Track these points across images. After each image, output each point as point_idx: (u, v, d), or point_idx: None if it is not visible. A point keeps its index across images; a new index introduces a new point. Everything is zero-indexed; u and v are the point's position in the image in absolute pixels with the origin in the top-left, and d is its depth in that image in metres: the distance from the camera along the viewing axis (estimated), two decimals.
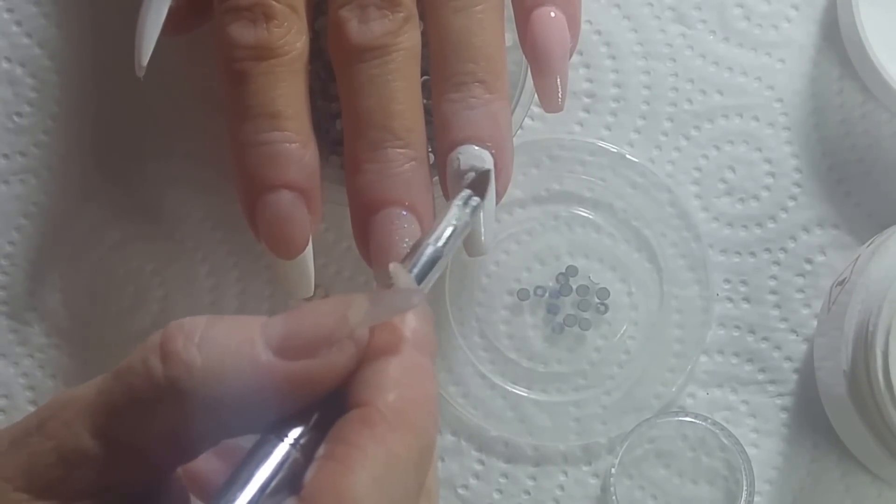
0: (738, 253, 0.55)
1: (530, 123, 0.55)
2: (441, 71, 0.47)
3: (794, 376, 0.54)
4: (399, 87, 0.46)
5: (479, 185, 0.46)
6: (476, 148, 0.47)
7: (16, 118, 0.56)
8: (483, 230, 0.47)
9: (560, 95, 0.50)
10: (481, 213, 0.46)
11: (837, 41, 0.55)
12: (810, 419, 0.54)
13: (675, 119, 0.55)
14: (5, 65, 0.56)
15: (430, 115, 0.48)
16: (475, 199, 0.45)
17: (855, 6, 0.52)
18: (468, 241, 0.47)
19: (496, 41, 0.48)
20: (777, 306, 0.54)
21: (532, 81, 0.50)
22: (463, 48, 0.47)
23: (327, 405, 0.35)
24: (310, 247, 0.48)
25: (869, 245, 0.51)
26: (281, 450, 0.35)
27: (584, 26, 0.53)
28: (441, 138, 0.47)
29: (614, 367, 0.54)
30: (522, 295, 0.54)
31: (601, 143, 0.55)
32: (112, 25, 0.55)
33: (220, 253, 0.55)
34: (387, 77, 0.46)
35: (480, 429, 0.54)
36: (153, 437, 0.35)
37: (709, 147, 0.55)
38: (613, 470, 0.53)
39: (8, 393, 0.55)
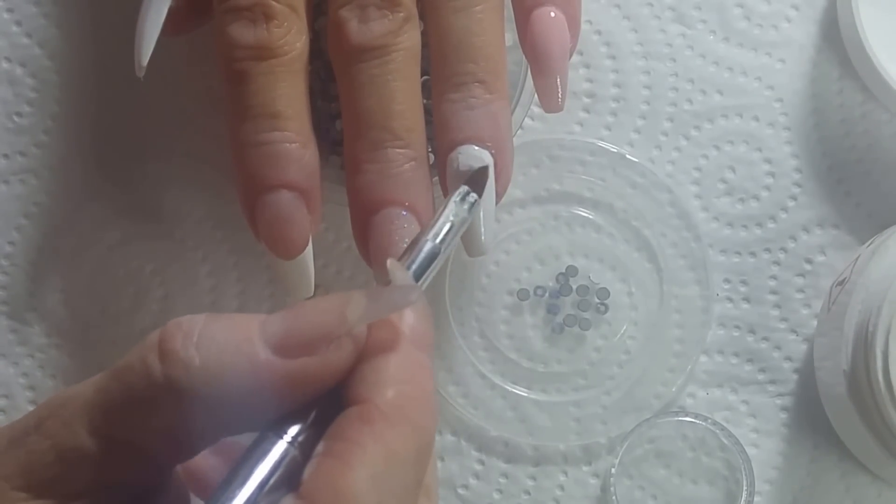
0: (738, 253, 0.55)
1: (530, 123, 0.55)
2: (441, 71, 0.47)
3: (794, 376, 0.54)
4: (399, 87, 0.46)
5: (476, 181, 0.46)
6: (476, 148, 0.47)
7: (16, 118, 0.56)
8: (483, 230, 0.47)
9: (560, 95, 0.50)
10: (481, 212, 0.46)
11: (837, 41, 0.55)
12: (810, 419, 0.54)
13: (675, 119, 0.55)
14: (5, 65, 0.56)
15: (430, 115, 0.48)
16: (472, 196, 0.45)
17: (855, 6, 0.52)
18: (468, 242, 0.47)
19: (496, 41, 0.48)
20: (777, 306, 0.54)
21: (532, 81, 0.50)
22: (463, 48, 0.47)
23: (326, 402, 0.35)
24: (310, 247, 0.48)
25: (869, 245, 0.51)
26: (279, 447, 0.35)
27: (584, 26, 0.53)
28: (441, 138, 0.47)
29: (614, 367, 0.54)
30: (522, 295, 0.54)
31: (601, 143, 0.55)
32: (112, 25, 0.55)
33: (220, 253, 0.55)
34: (387, 77, 0.46)
35: (480, 429, 0.54)
36: (152, 436, 0.35)
37: (709, 147, 0.55)
38: (613, 470, 0.53)
39: (8, 393, 0.55)
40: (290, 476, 0.34)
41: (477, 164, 0.46)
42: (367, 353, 0.36)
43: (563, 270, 0.54)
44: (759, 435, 0.54)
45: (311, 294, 0.49)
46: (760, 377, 0.54)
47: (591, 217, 0.55)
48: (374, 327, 0.36)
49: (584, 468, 0.54)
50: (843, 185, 0.55)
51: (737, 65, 0.55)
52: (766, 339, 0.54)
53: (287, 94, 0.46)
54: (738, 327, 0.54)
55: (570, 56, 0.50)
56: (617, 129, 0.55)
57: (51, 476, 0.35)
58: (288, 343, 0.35)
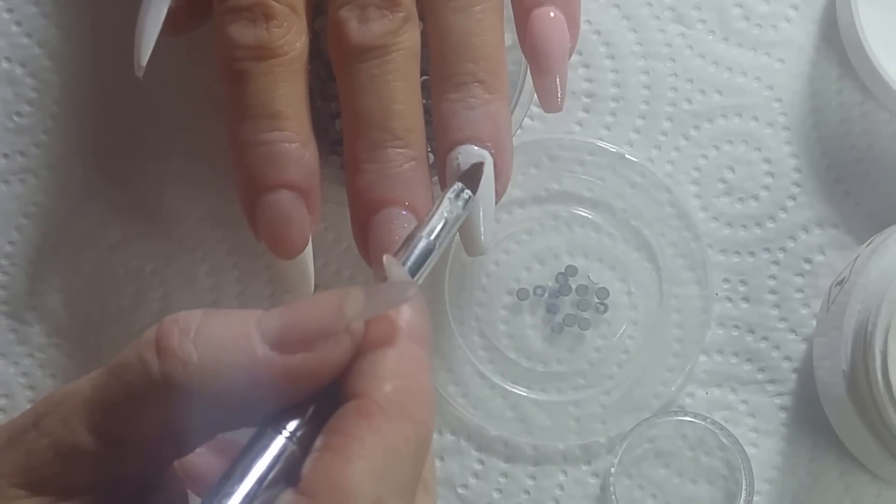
0: (738, 252, 0.55)
1: (530, 123, 0.55)
2: (441, 71, 0.47)
3: (794, 376, 0.54)
4: (399, 87, 0.46)
5: (470, 177, 0.46)
6: (476, 148, 0.47)
7: (16, 118, 0.56)
8: (483, 230, 0.47)
9: (559, 95, 0.50)
10: (480, 212, 0.46)
11: (836, 41, 0.55)
12: (809, 419, 0.54)
13: (674, 119, 0.55)
14: (5, 65, 0.56)
15: (430, 115, 0.48)
16: (467, 192, 0.45)
17: (854, 6, 0.52)
18: (468, 241, 0.47)
19: (496, 41, 0.48)
20: (776, 306, 0.54)
21: (531, 81, 0.50)
22: (462, 48, 0.47)
23: (324, 397, 0.35)
24: (310, 247, 0.48)
25: (868, 245, 0.51)
26: (278, 443, 0.35)
27: (583, 26, 0.53)
28: (441, 138, 0.47)
29: (614, 367, 0.54)
30: (522, 295, 0.54)
31: (600, 143, 0.55)
32: (112, 25, 0.55)
33: (220, 253, 0.55)
34: (386, 77, 0.46)
35: (480, 428, 0.54)
36: (149, 432, 0.35)
37: (708, 147, 0.55)
38: (613, 469, 0.53)
39: (8, 393, 0.55)
40: (288, 471, 0.34)
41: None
42: (364, 348, 0.36)
43: (563, 270, 0.54)
44: (759, 434, 0.54)
45: (311, 294, 0.49)
46: (760, 377, 0.54)
47: (590, 217, 0.55)
48: (372, 322, 0.36)
49: (584, 468, 0.54)
50: (843, 185, 0.55)
51: (736, 65, 0.55)
52: (765, 338, 0.54)
53: (287, 93, 0.46)
54: (737, 327, 0.54)
55: (570, 56, 0.50)
56: (616, 129, 0.55)
57: (49, 473, 0.35)
58: (286, 339, 0.35)
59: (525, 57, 0.50)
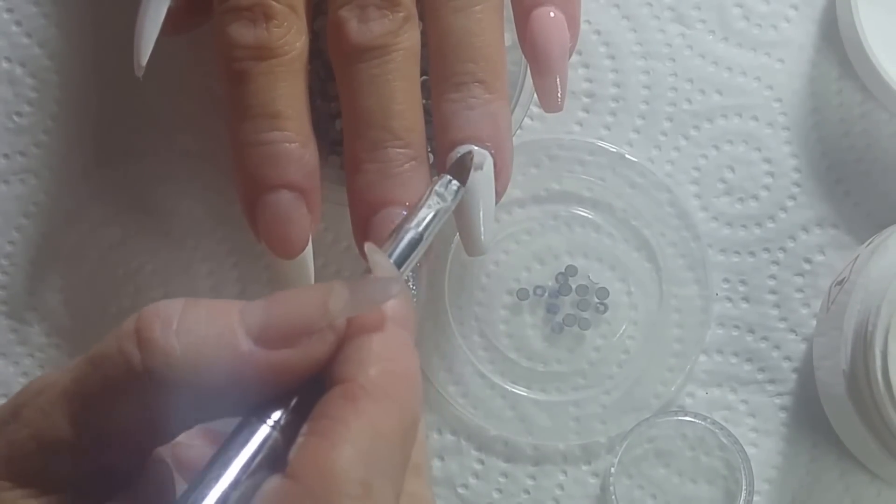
0: (738, 252, 0.55)
1: (530, 123, 0.55)
2: (441, 71, 0.47)
3: (794, 376, 0.54)
4: (399, 87, 0.46)
5: (458, 169, 0.46)
6: (476, 148, 0.47)
7: (16, 118, 0.56)
8: (482, 230, 0.47)
9: (559, 95, 0.50)
10: (480, 212, 0.46)
11: (836, 41, 0.55)
12: (809, 419, 0.54)
13: (674, 119, 0.55)
14: (5, 65, 0.56)
15: (430, 115, 0.48)
16: (455, 184, 0.45)
17: (854, 6, 0.52)
18: (467, 241, 0.47)
19: (496, 41, 0.48)
20: (776, 306, 0.54)
21: (531, 81, 0.50)
22: (462, 48, 0.47)
23: (308, 386, 0.35)
24: (310, 247, 0.48)
25: (868, 245, 0.51)
26: (262, 432, 0.35)
27: (583, 26, 0.53)
28: (440, 138, 0.47)
29: (613, 367, 0.54)
30: (522, 294, 0.54)
31: (600, 143, 0.55)
32: (112, 25, 0.56)
33: (220, 252, 0.55)
34: (386, 77, 0.46)
35: (480, 428, 0.54)
36: (130, 423, 0.35)
37: (708, 147, 0.55)
38: (613, 469, 0.53)
39: (8, 393, 0.55)
40: (273, 459, 0.34)
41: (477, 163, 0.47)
42: (349, 333, 0.36)
43: (563, 270, 0.54)
44: (759, 434, 0.54)
45: None
46: (760, 377, 0.54)
47: (590, 217, 0.55)
48: None
49: (584, 467, 0.54)
50: (843, 185, 0.55)
51: (736, 64, 0.55)
52: (765, 338, 0.54)
53: (287, 93, 0.46)
54: (737, 327, 0.54)
55: (570, 56, 0.50)
56: (616, 129, 0.55)
57: (32, 465, 0.34)
58: (269, 335, 0.35)
59: (525, 57, 0.50)
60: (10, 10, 0.56)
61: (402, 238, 0.41)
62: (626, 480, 0.53)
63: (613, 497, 0.53)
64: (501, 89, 0.48)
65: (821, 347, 0.52)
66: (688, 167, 0.55)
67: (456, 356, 0.54)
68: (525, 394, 0.54)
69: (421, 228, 0.41)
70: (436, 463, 0.54)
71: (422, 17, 0.48)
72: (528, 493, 0.54)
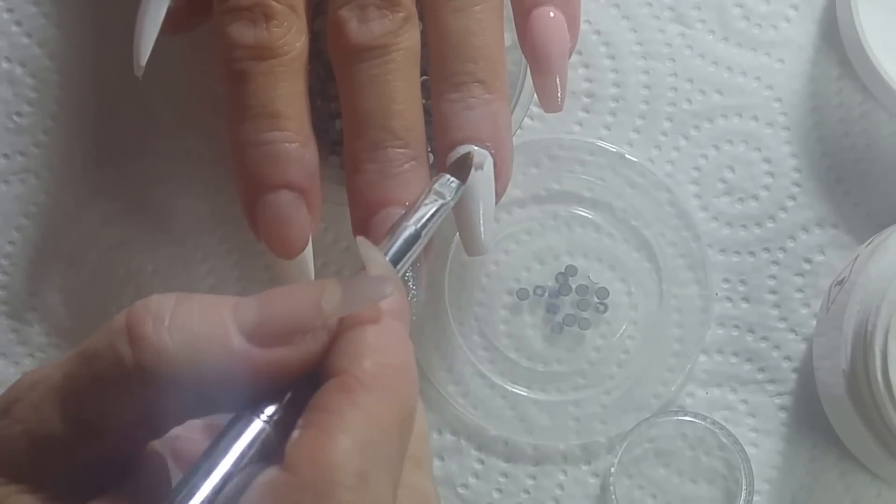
0: (738, 252, 0.55)
1: (530, 123, 0.55)
2: (440, 71, 0.47)
3: (794, 376, 0.54)
4: (399, 87, 0.46)
5: (458, 167, 0.46)
6: (475, 148, 0.47)
7: (16, 118, 0.56)
8: (482, 230, 0.47)
9: (559, 95, 0.50)
10: (480, 212, 0.46)
11: (836, 41, 0.55)
12: (809, 418, 0.54)
13: (674, 119, 0.55)
14: (5, 65, 0.56)
15: (430, 115, 0.48)
16: (454, 181, 0.45)
17: (854, 6, 0.52)
18: (467, 241, 0.47)
19: (495, 41, 0.48)
20: (776, 306, 0.54)
21: (531, 81, 0.50)
22: (462, 48, 0.47)
23: (303, 380, 0.35)
24: (310, 247, 0.48)
25: (868, 245, 0.51)
26: (255, 426, 0.35)
27: (583, 26, 0.53)
28: (440, 138, 0.47)
29: (613, 367, 0.54)
30: (522, 294, 0.54)
31: (600, 143, 0.55)
32: (112, 25, 0.55)
33: (220, 252, 0.55)
34: (386, 77, 0.46)
35: (480, 428, 0.54)
36: (122, 418, 0.35)
37: (708, 147, 0.55)
38: (613, 469, 0.53)
39: None
40: (266, 454, 0.34)
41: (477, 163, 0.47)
42: (344, 326, 0.36)
43: (563, 270, 0.54)
44: (759, 434, 0.54)
45: None
46: (759, 376, 0.54)
47: (590, 217, 0.55)
48: None
49: (584, 467, 0.54)
50: (842, 185, 0.55)
51: (736, 64, 0.55)
52: (765, 338, 0.54)
53: (287, 93, 0.46)
54: (737, 327, 0.54)
55: (570, 56, 0.50)
56: (616, 129, 0.55)
57: (24, 461, 0.34)
58: (262, 333, 0.35)
59: (525, 57, 0.50)
60: (10, 10, 0.56)
61: (400, 234, 0.41)
62: (626, 480, 0.53)
63: (613, 497, 0.53)
64: (501, 89, 0.48)
65: (821, 347, 0.52)
66: (688, 167, 0.55)
67: (456, 356, 0.54)
68: (525, 394, 0.54)
69: (419, 225, 0.42)
70: (436, 463, 0.54)
71: (422, 17, 0.48)
72: (528, 492, 0.54)
